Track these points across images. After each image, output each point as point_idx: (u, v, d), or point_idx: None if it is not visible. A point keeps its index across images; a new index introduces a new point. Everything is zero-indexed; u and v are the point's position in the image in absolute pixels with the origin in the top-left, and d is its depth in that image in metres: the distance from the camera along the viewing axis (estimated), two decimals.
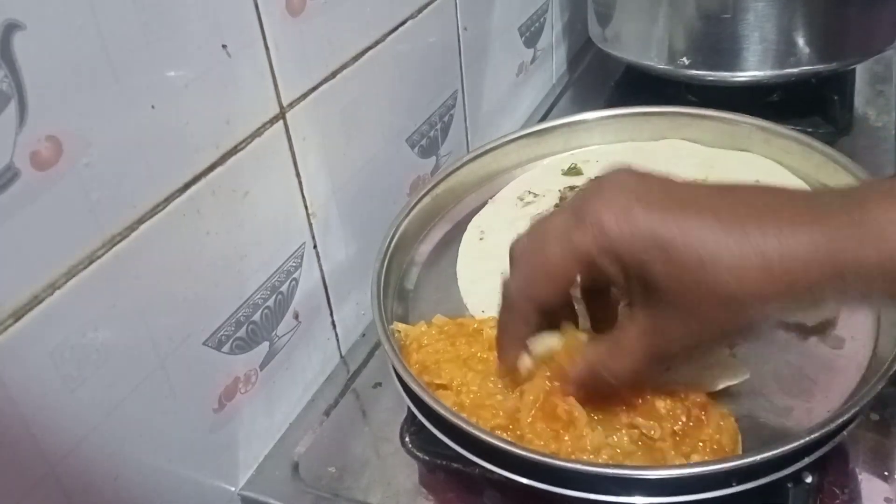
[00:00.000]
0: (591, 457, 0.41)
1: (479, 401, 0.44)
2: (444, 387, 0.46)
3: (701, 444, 0.41)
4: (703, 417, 0.42)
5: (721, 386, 0.45)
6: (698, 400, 0.43)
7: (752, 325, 0.38)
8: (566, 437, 0.42)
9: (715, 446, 0.41)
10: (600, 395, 0.42)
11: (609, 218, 0.37)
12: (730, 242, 0.35)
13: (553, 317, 0.43)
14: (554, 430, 0.42)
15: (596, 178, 0.40)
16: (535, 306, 0.42)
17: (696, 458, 0.41)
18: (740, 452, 0.42)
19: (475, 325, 0.50)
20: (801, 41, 0.71)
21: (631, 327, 0.40)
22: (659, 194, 0.38)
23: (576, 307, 0.44)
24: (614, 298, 0.44)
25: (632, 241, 0.37)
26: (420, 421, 0.45)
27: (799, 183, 0.61)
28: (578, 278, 0.41)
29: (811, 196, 0.38)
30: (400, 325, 0.51)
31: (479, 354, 0.48)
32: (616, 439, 0.42)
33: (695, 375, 0.45)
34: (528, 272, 0.41)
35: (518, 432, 0.43)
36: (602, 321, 0.44)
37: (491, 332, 0.50)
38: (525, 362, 0.43)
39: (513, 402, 0.44)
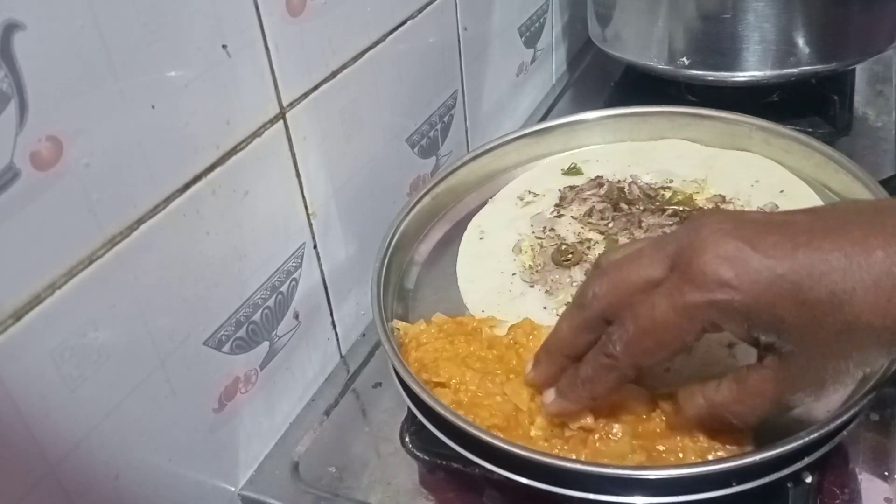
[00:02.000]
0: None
1: (476, 400, 0.44)
2: (441, 385, 0.46)
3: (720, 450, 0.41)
4: None
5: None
6: None
7: (891, 353, 0.36)
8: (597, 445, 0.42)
9: (732, 445, 0.41)
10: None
11: (726, 270, 0.34)
12: (860, 272, 0.33)
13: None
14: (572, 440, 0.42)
15: (686, 225, 0.37)
16: (637, 368, 0.39)
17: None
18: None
19: (474, 324, 0.50)
20: (801, 41, 0.71)
21: (758, 371, 0.38)
22: (767, 232, 0.35)
23: None
24: None
25: (756, 292, 0.34)
26: (420, 421, 0.45)
27: (799, 182, 0.61)
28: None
29: None
30: (399, 323, 0.51)
31: (477, 353, 0.48)
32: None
33: (694, 375, 0.45)
34: (638, 337, 0.37)
35: (520, 431, 0.43)
36: None
37: (490, 332, 0.50)
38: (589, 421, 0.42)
39: (511, 406, 0.44)
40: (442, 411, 0.42)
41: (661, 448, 0.41)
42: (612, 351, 0.39)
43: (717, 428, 0.40)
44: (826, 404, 0.45)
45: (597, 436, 0.42)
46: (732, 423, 0.40)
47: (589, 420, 0.42)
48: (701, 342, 0.47)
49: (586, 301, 0.40)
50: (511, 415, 0.43)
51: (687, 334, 0.36)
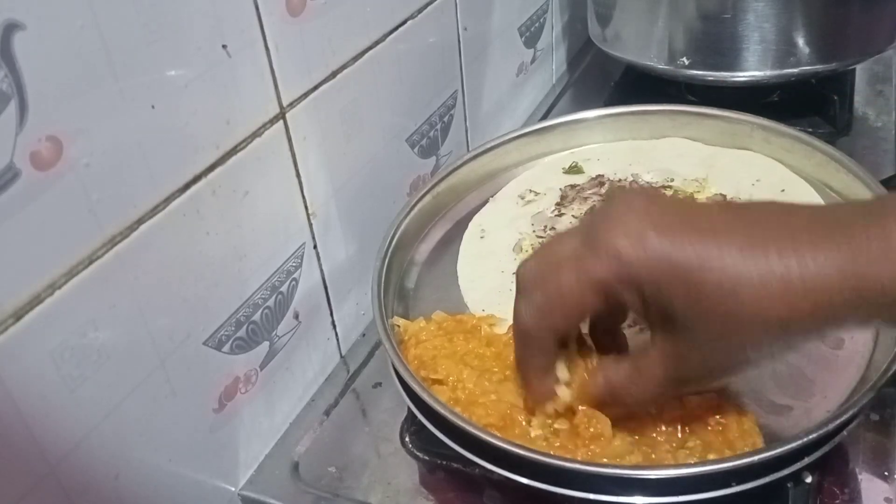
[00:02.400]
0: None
1: (473, 398, 0.44)
2: (439, 382, 0.46)
3: (728, 450, 0.41)
4: (722, 421, 0.42)
5: (719, 385, 0.45)
6: (713, 404, 0.43)
7: (774, 351, 0.38)
8: (592, 447, 0.42)
9: (747, 448, 0.41)
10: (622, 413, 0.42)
11: (624, 245, 0.36)
12: (749, 268, 0.34)
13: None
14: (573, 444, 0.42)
15: (606, 200, 0.39)
16: (552, 336, 0.41)
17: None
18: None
19: (474, 322, 0.50)
20: (801, 41, 0.71)
21: (650, 352, 0.40)
22: (673, 218, 0.37)
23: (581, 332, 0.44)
24: (619, 324, 0.44)
25: (649, 269, 0.36)
26: (420, 421, 0.45)
27: (800, 181, 0.61)
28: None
29: (828, 213, 0.37)
30: (399, 320, 0.51)
31: (475, 350, 0.48)
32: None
33: None
34: (542, 303, 0.40)
35: (516, 430, 0.43)
36: (607, 345, 0.44)
37: (489, 330, 0.50)
38: (564, 394, 0.42)
39: (506, 405, 0.44)
40: (442, 411, 0.42)
41: (656, 437, 0.42)
42: (522, 324, 0.41)
43: (617, 408, 0.42)
44: (826, 404, 0.45)
45: (587, 437, 0.42)
46: (629, 403, 0.41)
47: (565, 395, 0.42)
48: None
49: (519, 283, 0.42)
50: (507, 413, 0.43)
51: (590, 303, 0.38)
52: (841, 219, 0.35)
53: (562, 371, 0.42)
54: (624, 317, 0.45)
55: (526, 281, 0.41)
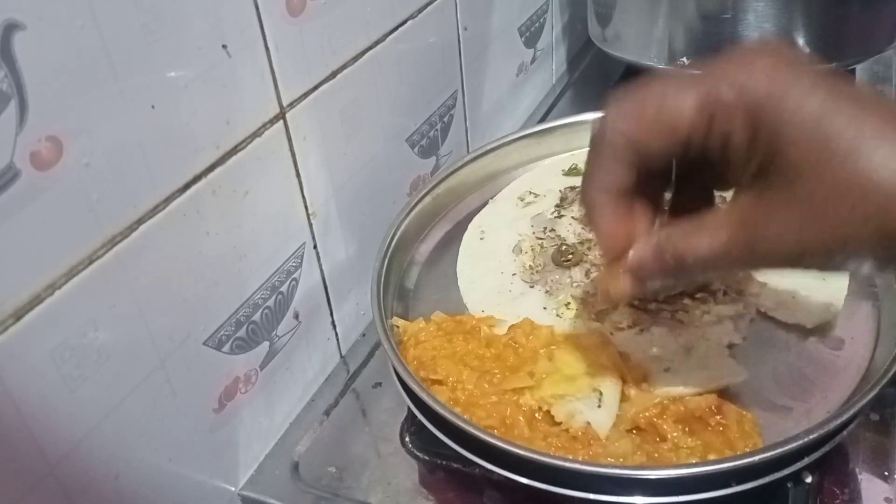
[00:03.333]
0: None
1: (473, 399, 0.45)
2: (439, 382, 0.46)
3: (728, 450, 0.41)
4: (723, 421, 0.42)
5: (719, 386, 0.45)
6: (713, 407, 0.43)
7: (855, 253, 0.33)
8: (591, 449, 0.42)
9: (748, 448, 0.41)
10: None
11: (764, 65, 0.32)
12: (881, 143, 0.31)
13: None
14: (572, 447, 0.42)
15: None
16: (631, 148, 0.34)
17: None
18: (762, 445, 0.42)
19: (473, 323, 0.50)
20: (801, 41, 0.71)
21: (720, 211, 0.34)
22: (824, 73, 0.32)
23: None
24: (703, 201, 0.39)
25: (783, 99, 0.31)
26: (420, 421, 0.45)
27: None
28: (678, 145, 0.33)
29: None
30: (398, 321, 0.51)
31: (475, 351, 0.48)
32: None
33: (692, 375, 0.45)
34: (636, 105, 0.34)
35: (515, 433, 0.43)
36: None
37: (489, 331, 0.50)
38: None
39: (505, 407, 0.44)
40: (442, 411, 0.42)
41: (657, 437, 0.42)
42: (604, 125, 0.35)
43: (659, 277, 0.36)
44: (826, 404, 0.45)
45: (581, 441, 0.42)
46: (672, 266, 0.35)
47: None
48: (700, 342, 0.47)
49: (609, 102, 0.37)
50: (506, 416, 0.43)
51: (692, 121, 0.33)
52: None
53: None
54: (710, 203, 0.39)
55: (621, 94, 0.34)
